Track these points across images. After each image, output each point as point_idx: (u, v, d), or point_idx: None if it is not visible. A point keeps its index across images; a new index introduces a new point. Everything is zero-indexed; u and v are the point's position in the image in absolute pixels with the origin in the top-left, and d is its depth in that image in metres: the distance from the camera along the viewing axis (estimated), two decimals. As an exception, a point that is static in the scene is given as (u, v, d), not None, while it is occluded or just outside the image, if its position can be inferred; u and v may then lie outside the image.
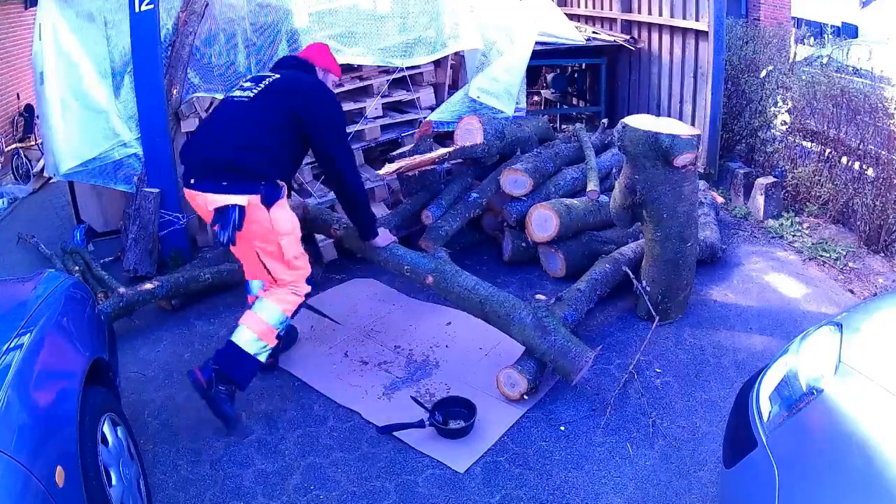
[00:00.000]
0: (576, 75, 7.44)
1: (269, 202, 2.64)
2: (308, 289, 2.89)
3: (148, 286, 3.53)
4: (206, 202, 2.66)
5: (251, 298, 3.04)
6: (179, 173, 3.25)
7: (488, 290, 3.04)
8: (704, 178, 5.05)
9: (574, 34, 6.04)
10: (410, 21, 4.48)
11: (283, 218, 2.72)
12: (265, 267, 2.78)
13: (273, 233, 2.69)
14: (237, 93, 2.83)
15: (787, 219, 4.60)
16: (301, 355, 3.26)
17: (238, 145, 2.67)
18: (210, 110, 4.33)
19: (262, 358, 2.77)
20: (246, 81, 2.88)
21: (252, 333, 2.74)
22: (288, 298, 2.82)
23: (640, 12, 6.24)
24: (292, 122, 2.76)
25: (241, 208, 2.61)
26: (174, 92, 4.03)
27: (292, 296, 2.83)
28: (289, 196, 2.91)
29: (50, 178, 6.72)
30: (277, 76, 2.86)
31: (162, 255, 4.12)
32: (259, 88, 2.79)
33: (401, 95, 4.59)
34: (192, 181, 2.71)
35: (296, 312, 2.88)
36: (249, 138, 2.69)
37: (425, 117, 4.51)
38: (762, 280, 3.90)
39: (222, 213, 2.61)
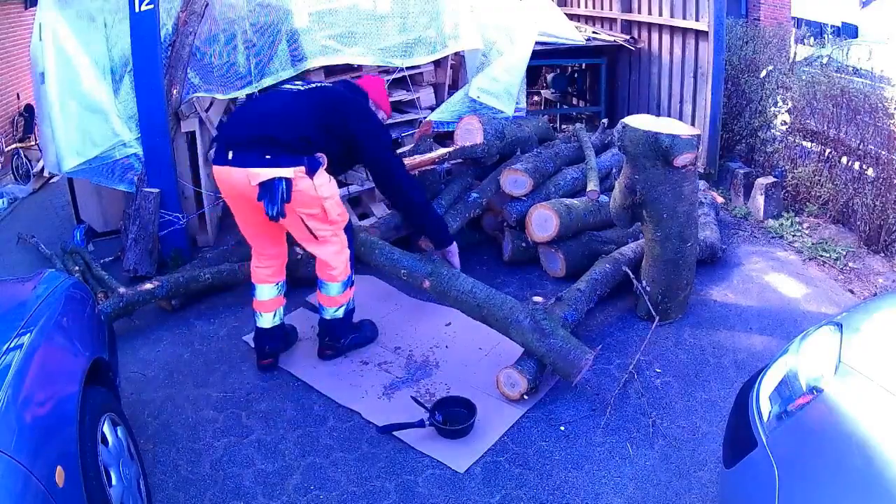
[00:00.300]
0: (576, 75, 7.43)
1: (312, 171, 2.73)
2: (345, 237, 3.00)
3: (148, 286, 3.53)
4: (249, 177, 2.66)
5: (259, 304, 3.09)
6: (211, 155, 3.32)
7: (485, 292, 3.04)
8: (704, 178, 5.05)
9: (574, 34, 6.04)
10: (410, 21, 4.47)
11: (325, 183, 2.81)
12: (308, 229, 2.85)
13: (317, 199, 2.77)
14: (287, 85, 2.95)
15: (787, 219, 4.60)
16: (301, 355, 3.26)
17: (283, 124, 2.72)
18: (209, 108, 4.33)
19: (351, 306, 3.15)
20: (297, 81, 2.98)
21: (332, 307, 3.05)
22: (338, 270, 2.97)
23: (640, 12, 6.24)
24: (340, 128, 2.84)
25: (288, 181, 2.66)
26: (174, 92, 4.03)
27: (336, 257, 2.95)
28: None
29: (50, 178, 6.73)
30: (330, 84, 2.98)
31: (162, 255, 4.12)
32: (310, 87, 2.91)
33: (401, 95, 4.59)
34: (231, 155, 2.71)
35: (352, 261, 3.07)
36: (297, 122, 2.76)
37: (425, 117, 4.51)
38: (762, 280, 3.90)
39: (268, 186, 2.65)
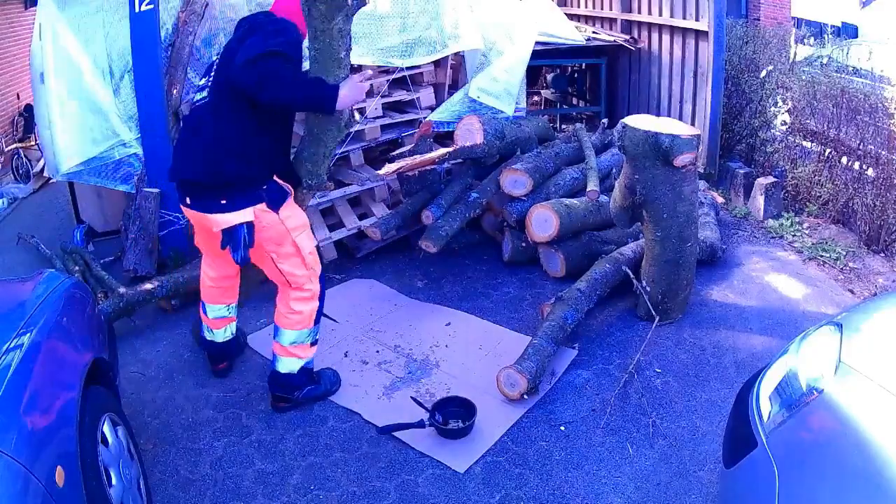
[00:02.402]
0: (576, 75, 7.44)
1: (276, 205, 2.51)
2: (319, 287, 2.72)
3: (148, 286, 3.53)
4: (211, 223, 2.51)
5: (208, 321, 2.99)
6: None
7: None
8: (704, 178, 5.05)
9: (574, 34, 6.04)
10: (410, 21, 4.47)
11: (294, 215, 2.59)
12: (281, 273, 2.65)
13: (287, 233, 2.56)
14: (198, 95, 2.59)
15: (787, 219, 4.60)
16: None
17: (216, 157, 2.43)
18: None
19: (311, 364, 2.84)
20: (201, 77, 2.65)
21: (288, 359, 2.77)
22: (300, 315, 2.69)
23: (640, 12, 6.24)
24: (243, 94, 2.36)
25: (250, 224, 2.48)
26: (174, 92, 4.03)
27: (302, 303, 2.68)
28: (300, 187, 2.70)
29: (50, 178, 6.73)
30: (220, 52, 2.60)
31: (162, 255, 4.12)
32: (210, 79, 2.54)
33: (401, 95, 4.59)
34: (189, 201, 2.56)
35: (319, 314, 2.76)
36: (221, 144, 2.44)
37: (425, 117, 4.51)
38: (762, 280, 3.90)
39: (230, 234, 2.48)
